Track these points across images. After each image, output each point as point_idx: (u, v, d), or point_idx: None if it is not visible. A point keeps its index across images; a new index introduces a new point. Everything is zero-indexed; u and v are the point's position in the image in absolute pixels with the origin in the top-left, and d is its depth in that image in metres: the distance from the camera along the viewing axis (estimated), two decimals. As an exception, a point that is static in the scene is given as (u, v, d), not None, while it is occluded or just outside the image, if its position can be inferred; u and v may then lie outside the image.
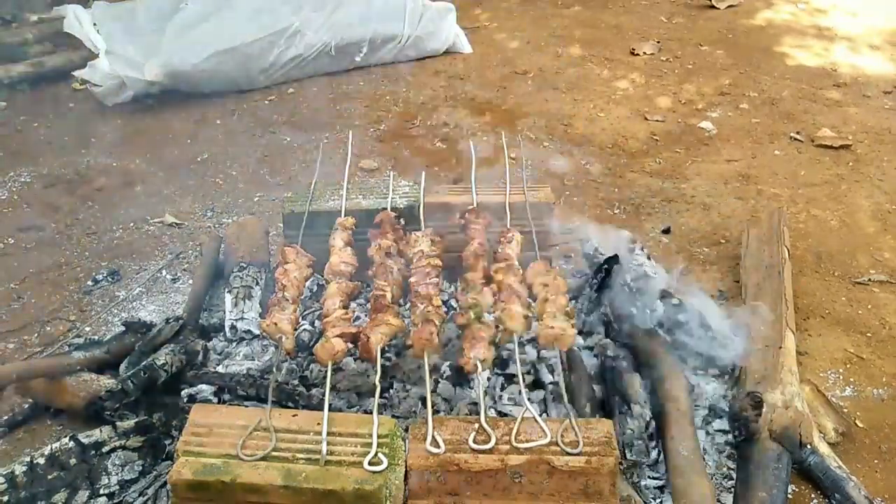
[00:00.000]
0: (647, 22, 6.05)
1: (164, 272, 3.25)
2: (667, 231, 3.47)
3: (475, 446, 1.80)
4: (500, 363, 2.46)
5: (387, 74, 5.13)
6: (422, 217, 2.66)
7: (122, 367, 2.50)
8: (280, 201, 3.49)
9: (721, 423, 2.38)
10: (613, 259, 2.72)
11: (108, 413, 2.26)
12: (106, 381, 2.39)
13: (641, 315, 2.69)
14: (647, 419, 2.28)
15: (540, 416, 1.93)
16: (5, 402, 2.53)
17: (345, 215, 2.64)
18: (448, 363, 2.43)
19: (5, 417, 2.47)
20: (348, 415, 2.20)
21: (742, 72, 5.14)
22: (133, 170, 4.11)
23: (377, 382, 1.97)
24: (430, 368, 2.02)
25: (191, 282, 3.06)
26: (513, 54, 5.45)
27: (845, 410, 2.51)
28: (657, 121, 4.51)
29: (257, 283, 2.79)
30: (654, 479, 2.18)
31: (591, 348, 2.62)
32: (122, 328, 2.71)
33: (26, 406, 2.51)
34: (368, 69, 5.17)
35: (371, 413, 1.89)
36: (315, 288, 2.82)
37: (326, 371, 2.05)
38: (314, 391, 2.36)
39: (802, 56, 5.37)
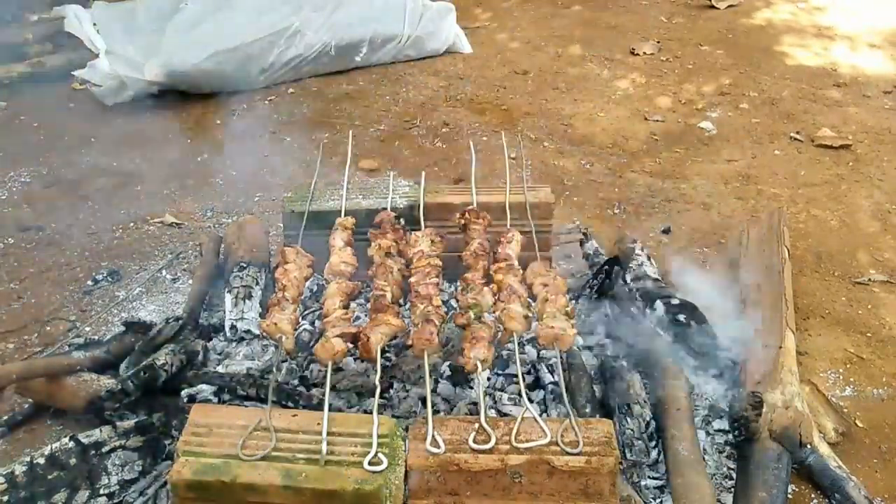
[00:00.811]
0: (647, 22, 6.04)
1: (164, 272, 3.25)
2: (667, 231, 3.47)
3: (475, 446, 1.80)
4: (500, 363, 2.46)
5: (387, 74, 5.13)
6: (422, 217, 2.66)
7: (122, 367, 2.50)
8: (280, 201, 3.49)
9: (721, 423, 2.38)
10: (614, 261, 2.72)
11: (108, 413, 2.26)
12: (106, 381, 2.39)
13: (641, 315, 2.69)
14: (647, 419, 2.28)
15: (540, 416, 1.93)
16: (5, 402, 2.53)
17: (345, 215, 2.63)
18: (448, 363, 2.43)
19: (5, 417, 2.47)
20: (348, 415, 2.20)
21: (742, 72, 5.14)
22: (133, 170, 4.11)
23: (377, 382, 1.97)
24: (430, 368, 2.02)
25: (191, 282, 3.06)
26: (513, 54, 5.45)
27: (845, 410, 2.51)
28: (657, 121, 4.51)
29: (257, 283, 2.79)
30: (654, 479, 2.18)
31: (591, 348, 2.62)
32: (122, 328, 2.71)
33: (26, 406, 2.51)
34: (368, 69, 5.17)
35: (371, 413, 1.88)
36: (315, 288, 2.82)
37: (326, 371, 2.05)
38: (314, 391, 2.36)
39: (802, 56, 5.37)
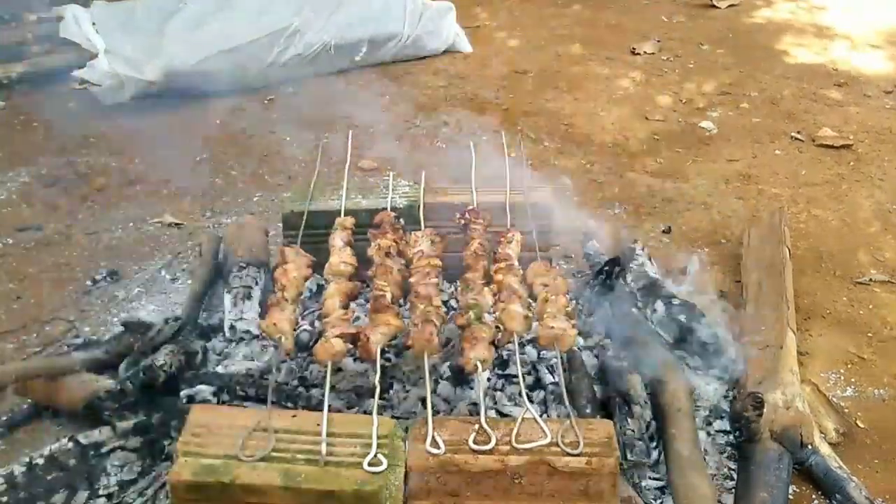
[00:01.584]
0: (648, 21, 6.04)
1: (163, 272, 3.24)
2: (667, 231, 3.47)
3: (475, 447, 1.80)
4: (501, 364, 2.46)
5: (387, 74, 5.13)
6: (422, 217, 2.65)
7: (122, 367, 2.50)
8: (279, 201, 3.48)
9: (722, 424, 2.37)
10: (615, 261, 2.71)
11: (107, 413, 2.25)
12: (105, 382, 2.38)
13: (642, 315, 2.69)
14: (648, 420, 2.28)
15: (540, 416, 1.92)
16: (4, 403, 2.52)
17: (344, 215, 2.63)
18: (448, 364, 2.42)
19: (4, 418, 2.47)
20: (348, 415, 2.19)
21: (743, 71, 5.14)
22: (132, 170, 4.10)
23: (377, 383, 1.96)
24: (429, 369, 2.01)
25: (190, 282, 3.05)
26: (513, 54, 5.44)
27: (846, 411, 2.50)
28: (657, 120, 4.51)
29: (257, 283, 2.78)
30: (654, 479, 2.18)
31: (591, 348, 2.61)
32: (122, 328, 2.70)
33: (25, 406, 2.50)
34: (368, 69, 5.16)
35: (371, 414, 1.88)
36: (315, 288, 2.81)
37: (326, 371, 2.05)
38: (313, 391, 2.35)
39: (803, 55, 5.37)
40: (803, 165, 4.03)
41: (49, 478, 2.06)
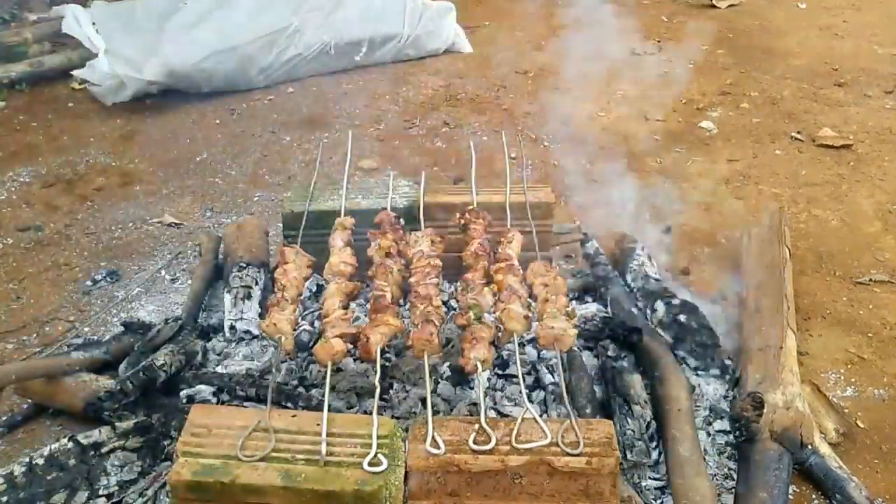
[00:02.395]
0: (648, 21, 6.04)
1: (163, 272, 3.24)
2: (668, 231, 3.46)
3: (475, 447, 1.80)
4: (501, 364, 2.46)
5: (387, 74, 5.12)
6: (422, 217, 2.65)
7: (122, 367, 2.50)
8: (279, 201, 3.48)
9: (722, 424, 2.37)
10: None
11: (108, 413, 2.25)
12: (105, 382, 2.38)
13: (642, 315, 2.69)
14: (648, 420, 2.28)
15: (540, 416, 1.92)
16: (4, 403, 2.52)
17: (344, 215, 2.63)
18: (448, 364, 2.42)
19: (4, 418, 2.47)
20: (348, 415, 2.19)
21: (743, 71, 5.14)
22: (132, 169, 4.10)
23: (377, 383, 1.96)
24: (429, 369, 2.01)
25: (190, 282, 3.05)
26: (513, 54, 5.44)
27: (846, 411, 2.50)
28: (658, 120, 4.51)
29: (256, 284, 2.78)
30: (654, 479, 2.18)
31: (591, 348, 2.61)
32: (121, 328, 2.71)
33: (25, 406, 2.50)
34: (368, 69, 5.16)
35: (371, 414, 1.88)
36: (315, 288, 2.81)
37: (326, 371, 2.05)
38: (313, 392, 2.35)
39: (803, 55, 5.36)
40: (803, 165, 4.03)
41: (49, 478, 2.06)
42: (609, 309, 2.73)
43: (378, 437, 1.80)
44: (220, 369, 2.49)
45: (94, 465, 2.12)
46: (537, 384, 2.42)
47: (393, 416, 2.22)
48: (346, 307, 2.25)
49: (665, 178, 3.91)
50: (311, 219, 2.65)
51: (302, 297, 2.46)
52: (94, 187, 3.92)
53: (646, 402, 2.32)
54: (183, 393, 2.37)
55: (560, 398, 2.28)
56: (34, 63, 5.08)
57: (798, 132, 4.34)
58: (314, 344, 2.19)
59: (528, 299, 2.25)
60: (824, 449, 2.26)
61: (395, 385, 2.39)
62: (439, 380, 2.39)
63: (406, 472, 1.80)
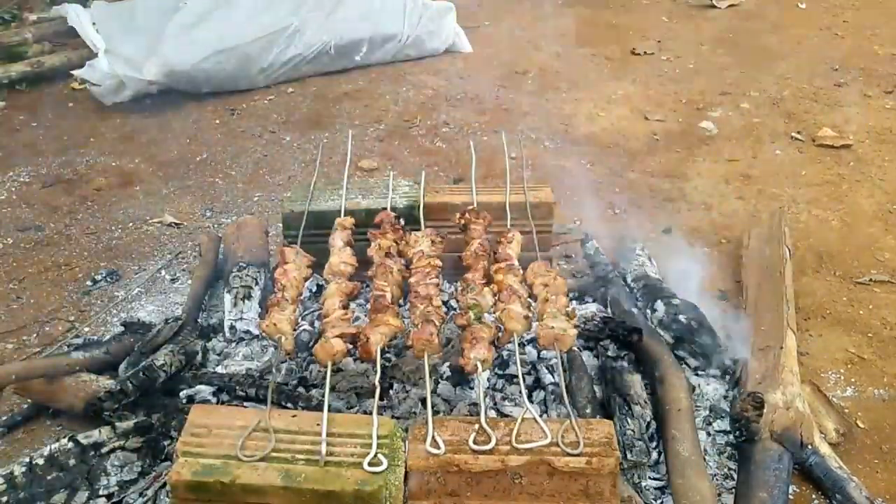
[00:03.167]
0: (648, 21, 6.04)
1: (163, 272, 3.24)
2: (668, 231, 3.46)
3: (475, 447, 1.79)
4: (501, 364, 2.46)
5: (387, 74, 5.13)
6: (422, 217, 2.65)
7: (122, 367, 2.50)
8: (279, 201, 3.48)
9: (722, 424, 2.37)
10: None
11: (108, 414, 2.25)
12: (105, 382, 2.38)
13: (642, 315, 2.69)
14: (648, 420, 2.28)
15: (540, 416, 1.92)
16: (4, 403, 2.52)
17: (344, 215, 2.63)
18: (448, 364, 2.42)
19: (4, 418, 2.47)
20: (348, 415, 2.19)
21: (743, 71, 5.14)
22: (132, 170, 4.10)
23: (377, 383, 1.96)
24: (429, 369, 2.01)
25: (190, 282, 3.05)
26: (513, 54, 5.44)
27: (846, 411, 2.50)
28: (658, 120, 4.51)
29: (256, 284, 2.78)
30: (654, 479, 2.18)
31: (591, 348, 2.61)
32: (122, 328, 2.70)
33: (25, 406, 2.50)
34: (368, 69, 5.16)
35: (371, 414, 1.88)
36: (315, 288, 2.81)
37: (326, 371, 2.05)
38: (313, 392, 2.35)
39: (803, 55, 5.36)
40: (803, 165, 4.02)
41: (49, 478, 2.06)
42: (609, 309, 2.73)
43: (378, 437, 1.80)
44: (220, 369, 2.49)
45: (94, 465, 2.12)
46: (537, 384, 2.42)
47: (393, 416, 2.22)
48: (346, 307, 2.25)
49: (665, 178, 3.91)
50: (311, 219, 2.65)
51: (302, 297, 2.46)
52: (94, 187, 3.92)
53: (646, 402, 2.32)
54: (183, 393, 2.37)
55: (560, 398, 2.28)
56: (34, 63, 5.08)
57: (798, 132, 4.34)
58: (314, 344, 2.19)
59: (528, 299, 2.25)
60: (824, 449, 2.26)
61: (395, 385, 2.39)
62: (439, 380, 2.39)
63: (406, 472, 1.80)
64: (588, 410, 2.26)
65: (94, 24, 5.05)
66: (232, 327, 2.63)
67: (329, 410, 1.88)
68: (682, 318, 2.62)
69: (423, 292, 2.23)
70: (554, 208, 2.80)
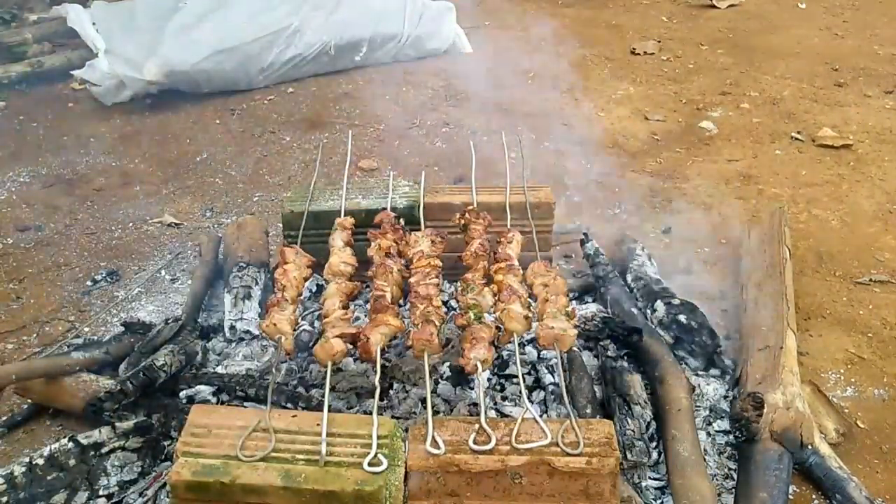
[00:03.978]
0: (648, 21, 6.04)
1: (163, 272, 3.24)
2: (667, 231, 3.46)
3: (475, 447, 1.79)
4: (501, 364, 2.46)
5: (387, 74, 5.13)
6: (422, 217, 2.65)
7: (122, 367, 2.50)
8: (279, 201, 3.48)
9: (722, 424, 2.37)
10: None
11: (108, 414, 2.25)
12: (105, 382, 2.38)
13: (642, 315, 2.69)
14: (648, 420, 2.28)
15: (540, 416, 1.92)
16: (4, 403, 2.52)
17: (344, 215, 2.63)
18: (448, 364, 2.42)
19: (4, 418, 2.47)
20: (348, 415, 2.19)
21: (743, 71, 5.14)
22: (132, 170, 4.10)
23: (377, 383, 1.96)
24: (429, 369, 2.01)
25: (190, 282, 3.05)
26: (513, 54, 5.44)
27: (846, 411, 2.50)
28: (658, 120, 4.51)
29: (256, 284, 2.78)
30: (654, 479, 2.18)
31: (591, 348, 2.61)
32: (122, 329, 2.70)
33: (25, 407, 2.50)
34: (368, 69, 5.16)
35: (371, 414, 1.88)
36: (315, 288, 2.81)
37: (326, 372, 2.05)
38: (313, 392, 2.35)
39: (803, 55, 5.36)
40: (803, 165, 4.02)
41: (49, 478, 2.06)
42: (609, 309, 2.73)
43: (378, 437, 1.80)
44: (220, 369, 2.49)
45: (94, 465, 2.12)
46: (537, 384, 2.42)
47: (393, 416, 2.22)
48: (346, 307, 2.25)
49: (665, 178, 3.91)
50: (311, 219, 2.65)
51: (302, 297, 2.46)
52: (94, 187, 3.93)
53: (646, 402, 2.32)
54: (183, 393, 2.37)
55: (560, 398, 2.28)
56: (34, 63, 5.08)
57: (798, 132, 4.34)
58: (314, 344, 2.19)
59: (528, 299, 2.25)
60: (824, 449, 2.26)
61: (395, 385, 2.39)
62: (439, 380, 2.39)
63: (406, 472, 1.80)
64: (588, 410, 2.26)
65: (94, 24, 5.05)
66: (232, 327, 2.63)
67: (329, 410, 1.88)
68: (682, 318, 2.62)
69: (423, 292, 2.23)
70: (554, 208, 2.80)
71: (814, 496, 2.21)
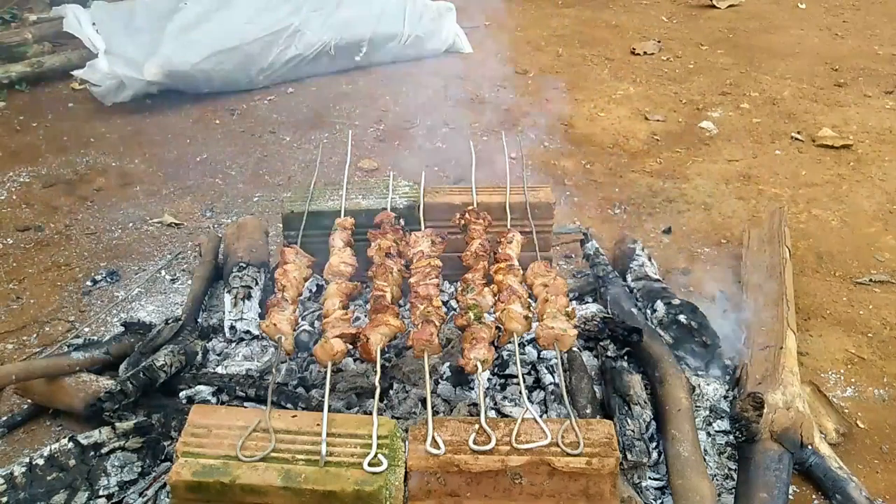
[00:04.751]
0: (648, 21, 6.04)
1: (163, 272, 3.24)
2: (668, 231, 3.46)
3: (475, 447, 1.80)
4: (501, 364, 2.46)
5: (387, 74, 5.13)
6: (422, 217, 2.65)
7: (122, 367, 2.50)
8: (279, 201, 3.48)
9: (722, 424, 2.37)
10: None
11: (108, 414, 2.26)
12: (105, 382, 2.38)
13: (642, 315, 2.69)
14: (648, 420, 2.28)
15: (540, 416, 1.92)
16: (4, 403, 2.53)
17: (344, 215, 2.63)
18: (448, 364, 2.42)
19: (4, 418, 2.47)
20: (348, 416, 2.19)
21: (743, 71, 5.14)
22: (132, 170, 4.10)
23: (377, 383, 1.96)
24: (429, 369, 2.01)
25: (190, 282, 3.05)
26: (513, 54, 5.44)
27: (846, 411, 2.50)
28: (658, 120, 4.51)
29: (256, 284, 2.78)
30: (654, 479, 2.18)
31: (591, 348, 2.61)
32: (122, 329, 2.70)
33: (25, 407, 2.50)
34: (368, 69, 5.16)
35: (371, 414, 1.88)
36: (315, 288, 2.81)
37: (326, 372, 2.05)
38: (314, 392, 2.35)
39: (803, 55, 5.37)
40: (803, 166, 4.03)
41: (49, 478, 2.06)
42: (609, 309, 2.73)
43: (378, 438, 1.80)
44: (220, 370, 2.49)
45: (94, 465, 2.12)
46: (537, 384, 2.42)
47: (393, 417, 2.22)
48: (346, 307, 2.25)
49: (665, 178, 3.91)
50: (311, 219, 2.65)
51: (302, 297, 2.46)
52: (94, 187, 3.93)
53: (646, 402, 2.32)
54: (183, 393, 2.37)
55: (560, 398, 2.28)
56: (34, 63, 5.08)
57: (798, 132, 4.34)
58: (314, 344, 2.19)
59: (528, 299, 2.25)
60: (824, 449, 2.26)
61: (395, 385, 2.39)
62: (439, 380, 2.39)
63: (406, 473, 1.80)
64: (588, 410, 2.26)
65: (94, 24, 5.05)
66: (232, 327, 2.63)
67: (329, 411, 1.88)
68: (681, 318, 2.62)
69: (423, 292, 2.23)
70: (554, 208, 2.80)
71: (814, 496, 2.21)
